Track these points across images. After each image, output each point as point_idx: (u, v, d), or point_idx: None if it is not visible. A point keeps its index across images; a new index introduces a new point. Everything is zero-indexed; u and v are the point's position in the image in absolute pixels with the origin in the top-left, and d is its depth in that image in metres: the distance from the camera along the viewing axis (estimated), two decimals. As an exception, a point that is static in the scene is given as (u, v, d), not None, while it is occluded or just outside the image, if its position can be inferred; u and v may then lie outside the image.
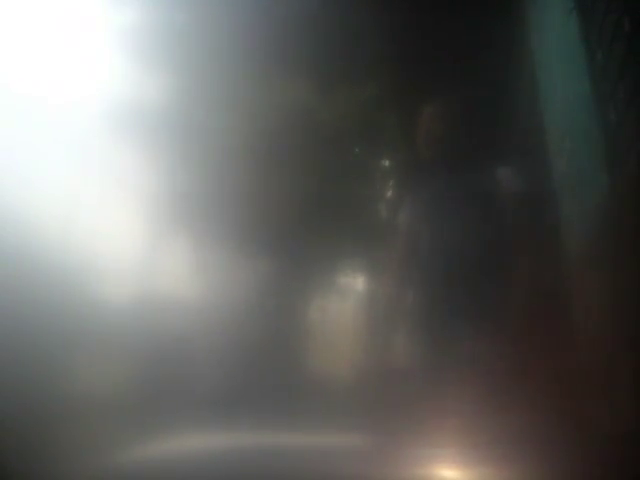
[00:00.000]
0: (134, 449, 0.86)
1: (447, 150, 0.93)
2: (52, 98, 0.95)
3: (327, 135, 0.94)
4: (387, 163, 0.97)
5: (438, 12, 0.92)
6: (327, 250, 0.92)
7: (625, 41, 0.82)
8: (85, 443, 0.87)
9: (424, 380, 0.84)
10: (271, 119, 0.94)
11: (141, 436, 0.87)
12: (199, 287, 0.92)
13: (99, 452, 0.86)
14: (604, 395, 0.80)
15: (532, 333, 0.82)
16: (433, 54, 0.92)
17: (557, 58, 0.91)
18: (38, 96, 0.94)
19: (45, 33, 0.95)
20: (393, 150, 0.96)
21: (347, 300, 0.92)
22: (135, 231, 0.93)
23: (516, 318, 0.84)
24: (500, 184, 0.89)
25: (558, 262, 0.85)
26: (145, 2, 0.98)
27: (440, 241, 0.90)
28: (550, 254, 0.85)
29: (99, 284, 0.91)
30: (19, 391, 0.86)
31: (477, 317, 0.85)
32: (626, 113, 0.82)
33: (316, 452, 0.84)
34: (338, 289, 0.92)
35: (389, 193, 0.95)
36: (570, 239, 0.86)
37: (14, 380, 0.86)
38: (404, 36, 0.94)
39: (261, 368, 0.88)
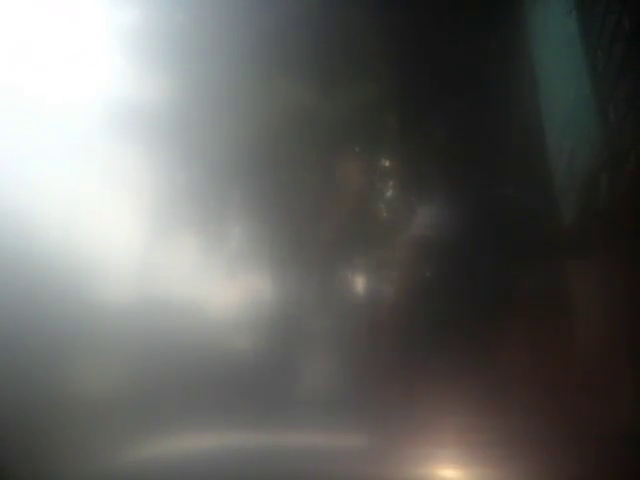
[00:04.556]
0: (133, 450, 0.86)
1: (446, 149, 0.93)
2: (52, 98, 0.95)
3: (327, 135, 0.94)
4: (387, 163, 0.97)
5: (438, 13, 0.92)
6: (326, 249, 0.92)
7: (625, 41, 0.82)
8: (85, 444, 0.87)
9: (424, 380, 0.84)
10: (271, 119, 0.94)
11: (140, 436, 0.87)
12: (199, 288, 0.92)
13: (99, 453, 0.86)
14: (604, 395, 0.80)
15: (532, 333, 0.82)
16: (433, 54, 0.92)
17: (557, 58, 0.91)
18: (38, 96, 0.94)
19: (45, 33, 0.95)
20: (393, 150, 0.96)
21: (347, 300, 0.91)
22: (135, 231, 0.93)
23: (516, 318, 0.84)
24: (500, 183, 0.89)
25: (558, 262, 0.85)
26: (145, 2, 0.98)
27: (440, 241, 0.90)
28: (550, 254, 0.85)
29: (99, 285, 0.91)
30: (19, 392, 0.86)
31: (478, 318, 0.85)
32: (626, 113, 0.82)
33: (316, 452, 0.84)
34: (337, 289, 0.92)
35: (389, 193, 0.95)
36: (570, 239, 0.86)
37: (14, 381, 0.86)
38: (404, 36, 0.94)
39: (261, 368, 0.88)
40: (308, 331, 0.90)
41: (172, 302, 0.90)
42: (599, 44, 0.86)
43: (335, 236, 0.92)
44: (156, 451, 0.86)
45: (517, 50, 0.92)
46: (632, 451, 0.74)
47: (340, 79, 0.96)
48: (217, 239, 0.93)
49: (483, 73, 0.90)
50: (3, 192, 0.92)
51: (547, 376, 0.80)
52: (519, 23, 0.92)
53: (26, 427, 0.85)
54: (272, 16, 0.95)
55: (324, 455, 0.84)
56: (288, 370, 0.88)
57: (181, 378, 0.87)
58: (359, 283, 0.92)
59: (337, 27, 0.94)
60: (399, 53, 0.94)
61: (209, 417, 0.87)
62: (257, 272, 0.92)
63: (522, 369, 0.81)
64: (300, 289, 0.92)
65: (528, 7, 0.93)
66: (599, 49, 0.86)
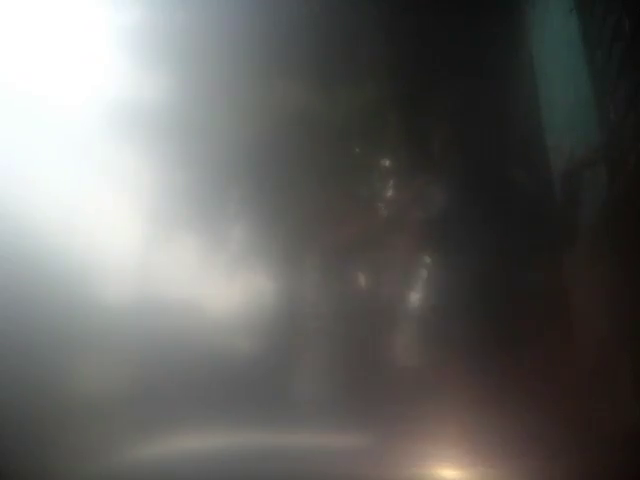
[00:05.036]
0: (134, 450, 0.86)
1: (447, 150, 0.93)
2: (52, 98, 0.95)
3: (327, 135, 0.94)
4: (387, 163, 0.97)
5: (438, 12, 0.92)
6: (327, 249, 0.92)
7: (625, 41, 0.82)
8: (85, 443, 0.87)
9: (424, 380, 0.84)
10: (271, 119, 0.94)
11: (141, 436, 0.87)
12: (199, 287, 0.92)
13: (99, 452, 0.86)
14: (604, 395, 0.80)
15: (533, 333, 0.82)
16: (433, 54, 0.92)
17: (557, 58, 0.91)
18: (38, 96, 0.94)
19: (45, 33, 0.95)
20: (393, 150, 0.95)
21: (347, 300, 0.91)
22: (135, 231, 0.93)
23: (517, 318, 0.84)
24: (500, 184, 0.89)
25: (558, 262, 0.85)
26: (145, 2, 0.98)
27: (441, 241, 0.90)
28: (550, 254, 0.85)
29: (99, 285, 0.91)
30: (19, 392, 0.86)
31: (478, 317, 0.85)
32: (626, 113, 0.82)
33: (316, 452, 0.84)
34: (338, 289, 0.92)
35: (389, 193, 0.95)
36: (570, 239, 0.86)
37: (14, 381, 0.86)
38: (404, 36, 0.94)
39: (260, 368, 0.88)
40: (308, 331, 0.90)
41: (172, 302, 0.90)
42: (599, 44, 0.86)
43: (335, 236, 0.92)
44: (156, 451, 0.86)
45: (517, 50, 0.92)
46: (632, 451, 0.74)
47: (340, 79, 0.96)
48: (217, 239, 0.93)
49: (483, 73, 0.90)
50: (3, 192, 0.92)
51: (547, 376, 0.80)
52: (519, 23, 0.92)
53: (26, 427, 0.85)
54: (272, 16, 0.95)
55: (324, 455, 0.84)
56: (288, 370, 0.88)
57: (181, 378, 0.87)
58: (359, 283, 0.92)
59: (337, 27, 0.94)
60: (399, 53, 0.94)
61: (209, 417, 0.87)
62: (257, 272, 0.92)
63: (522, 369, 0.81)
64: (300, 289, 0.92)
65: (528, 7, 0.93)
66: (599, 49, 0.86)
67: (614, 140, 0.84)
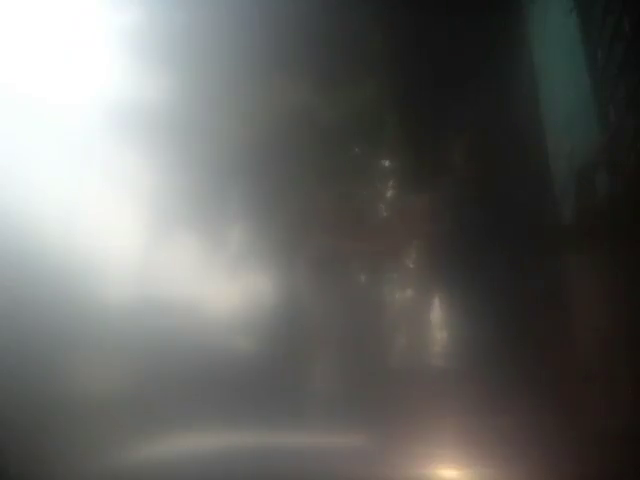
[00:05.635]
0: (134, 449, 0.86)
1: (446, 149, 0.93)
2: (52, 98, 0.95)
3: (327, 135, 0.94)
4: (387, 163, 0.97)
5: (438, 12, 0.92)
6: (327, 250, 0.92)
7: (625, 41, 0.82)
8: (85, 443, 0.87)
9: (424, 380, 0.84)
10: (271, 119, 0.94)
11: (141, 436, 0.87)
12: (199, 287, 0.92)
13: (99, 452, 0.86)
14: (604, 395, 0.80)
15: (532, 333, 0.82)
16: (433, 54, 0.92)
17: (557, 58, 0.91)
18: (38, 96, 0.95)
19: (45, 33, 0.95)
20: (393, 150, 0.96)
21: (346, 301, 0.91)
22: (135, 231, 0.93)
23: (516, 318, 0.84)
24: (499, 183, 0.89)
25: (558, 262, 0.85)
26: (145, 2, 0.98)
27: (440, 241, 0.90)
28: (550, 255, 0.86)
29: (100, 285, 0.91)
30: (19, 392, 0.86)
31: (477, 318, 0.85)
32: (626, 113, 0.82)
33: (316, 452, 0.84)
34: (338, 289, 0.92)
35: (389, 193, 0.95)
36: (570, 239, 0.86)
37: (14, 381, 0.86)
38: (404, 36, 0.94)
39: (261, 368, 0.88)
40: (308, 331, 0.90)
41: (173, 302, 0.90)
42: (599, 44, 0.86)
43: (336, 236, 0.92)
44: (157, 451, 0.86)
45: (517, 50, 0.92)
46: (632, 450, 0.74)
47: (340, 79, 0.96)
48: (217, 239, 0.93)
49: (483, 73, 0.90)
50: (3, 192, 0.92)
51: (547, 375, 0.80)
52: (519, 23, 0.92)
53: (27, 427, 0.85)
54: (272, 16, 0.95)
55: (324, 455, 0.84)
56: (289, 370, 0.88)
57: (182, 378, 0.88)
58: (360, 283, 0.92)
59: (337, 27, 0.94)
60: (399, 53, 0.94)
61: (210, 417, 0.87)
62: (258, 272, 0.92)
63: (522, 369, 0.81)
64: (300, 289, 0.92)
65: (528, 7, 0.93)
66: (599, 49, 0.86)
67: (614, 140, 0.84)
